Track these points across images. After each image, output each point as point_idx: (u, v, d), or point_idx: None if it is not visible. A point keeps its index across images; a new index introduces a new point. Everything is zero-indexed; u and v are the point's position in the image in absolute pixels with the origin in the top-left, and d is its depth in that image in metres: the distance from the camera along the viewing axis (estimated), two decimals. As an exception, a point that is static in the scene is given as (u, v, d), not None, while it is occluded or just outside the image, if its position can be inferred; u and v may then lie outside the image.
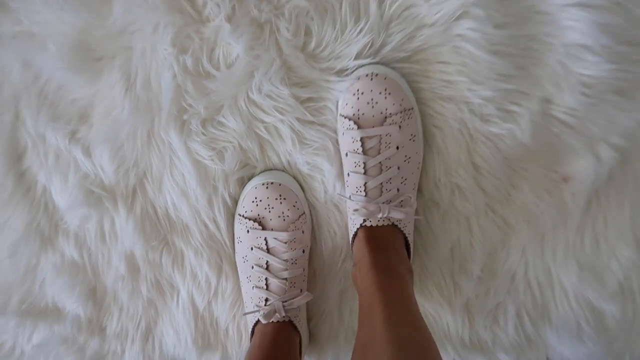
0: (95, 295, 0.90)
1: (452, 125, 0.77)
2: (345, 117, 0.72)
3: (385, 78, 0.71)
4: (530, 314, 0.87)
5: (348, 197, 0.76)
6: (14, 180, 0.84)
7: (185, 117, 0.77)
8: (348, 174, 0.75)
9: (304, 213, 0.80)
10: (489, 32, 0.71)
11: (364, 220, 0.75)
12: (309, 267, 0.85)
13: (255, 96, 0.76)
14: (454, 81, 0.75)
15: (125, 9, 0.73)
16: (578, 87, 0.73)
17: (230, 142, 0.79)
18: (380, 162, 0.73)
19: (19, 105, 0.81)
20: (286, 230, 0.78)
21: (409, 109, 0.72)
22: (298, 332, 0.80)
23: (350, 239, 0.79)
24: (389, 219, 0.75)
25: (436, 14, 0.71)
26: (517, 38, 0.72)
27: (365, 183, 0.73)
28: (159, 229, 0.85)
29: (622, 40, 0.71)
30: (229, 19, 0.73)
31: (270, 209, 0.78)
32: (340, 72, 0.75)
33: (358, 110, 0.72)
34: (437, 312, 0.87)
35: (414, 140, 0.74)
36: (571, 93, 0.74)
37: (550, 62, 0.73)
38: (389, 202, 0.74)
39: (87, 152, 0.82)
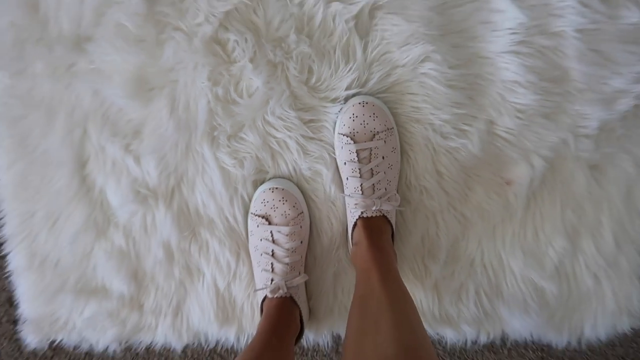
0: (136, 277, 1.02)
1: (420, 141, 0.94)
2: (343, 135, 0.89)
3: (373, 105, 0.89)
4: (487, 292, 1.01)
5: (348, 195, 0.91)
6: (78, 182, 0.98)
7: (215, 133, 0.94)
8: (347, 178, 0.91)
9: (302, 212, 0.94)
10: (445, 71, 0.90)
11: (362, 212, 0.89)
12: (309, 254, 0.99)
13: (269, 118, 0.93)
14: (420, 107, 0.92)
15: (173, 52, 0.90)
16: (513, 112, 0.92)
17: (249, 153, 0.95)
18: (371, 168, 0.89)
19: (87, 124, 0.96)
20: (287, 225, 0.92)
21: (391, 128, 0.90)
22: (298, 306, 0.92)
23: (350, 228, 0.93)
24: (381, 211, 0.89)
25: (406, 57, 0.90)
26: (466, 76, 0.91)
27: (361, 184, 0.89)
28: (190, 223, 0.99)
29: (544, 78, 0.90)
30: (251, 60, 0.90)
31: (275, 209, 0.92)
32: (335, 100, 0.92)
33: (354, 129, 0.89)
34: (412, 291, 0.99)
35: (394, 152, 0.91)
36: (509, 116, 0.92)
37: (492, 94, 0.92)
38: (380, 198, 0.89)
39: (138, 160, 0.96)
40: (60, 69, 0.94)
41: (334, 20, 0.90)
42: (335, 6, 0.89)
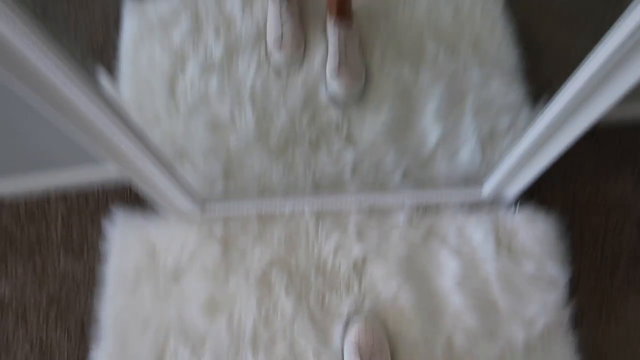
0: None
1: (402, 348, 1.30)
2: (349, 342, 1.23)
3: (372, 325, 1.24)
4: None
5: None
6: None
7: (257, 341, 1.28)
8: None
9: None
10: (412, 302, 1.28)
11: None
12: None
13: (295, 330, 1.28)
14: (400, 325, 1.27)
15: (236, 285, 1.31)
16: (464, 330, 1.26)
17: (280, 356, 1.27)
18: None
19: (169, 333, 1.28)
20: None
21: (383, 341, 1.24)
22: None
23: None
24: None
25: (387, 289, 1.30)
26: (428, 304, 1.29)
27: None
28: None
29: (481, 305, 1.27)
30: (285, 290, 1.31)
31: None
32: (340, 317, 1.28)
33: (358, 341, 1.22)
34: None
35: (387, 355, 1.23)
36: (461, 333, 1.26)
37: (447, 317, 1.27)
38: None
39: (199, 362, 1.32)
40: (160, 293, 1.29)
41: (339, 265, 1.33)
42: (340, 257, 1.35)
